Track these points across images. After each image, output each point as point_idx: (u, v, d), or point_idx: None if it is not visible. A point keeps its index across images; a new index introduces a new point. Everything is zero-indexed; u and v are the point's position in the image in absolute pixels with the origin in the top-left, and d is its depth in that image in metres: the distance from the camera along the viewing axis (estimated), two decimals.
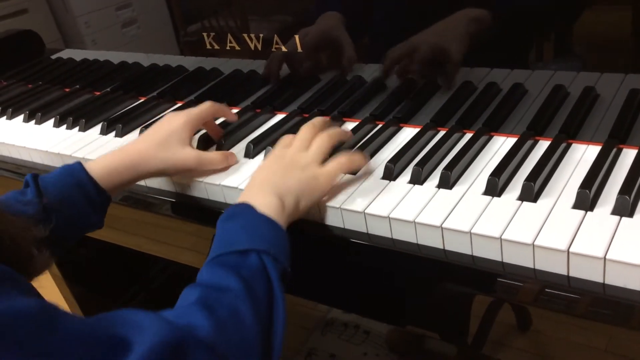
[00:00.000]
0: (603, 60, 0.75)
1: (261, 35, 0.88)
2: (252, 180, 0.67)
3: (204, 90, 1.02)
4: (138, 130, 0.95)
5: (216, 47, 0.93)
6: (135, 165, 0.73)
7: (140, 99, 1.07)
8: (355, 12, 0.86)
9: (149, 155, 0.74)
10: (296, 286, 0.83)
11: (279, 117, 0.92)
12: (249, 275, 0.54)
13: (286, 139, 0.72)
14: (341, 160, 0.69)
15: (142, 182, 0.83)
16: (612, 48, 0.73)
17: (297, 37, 0.85)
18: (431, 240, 0.62)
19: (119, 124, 0.95)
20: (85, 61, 1.21)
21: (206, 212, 0.79)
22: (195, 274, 0.58)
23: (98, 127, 0.98)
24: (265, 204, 0.61)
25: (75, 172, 0.70)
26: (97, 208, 0.72)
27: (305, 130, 0.72)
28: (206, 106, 0.81)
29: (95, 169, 0.71)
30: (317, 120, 0.74)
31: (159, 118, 0.97)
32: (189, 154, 0.76)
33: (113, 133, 0.96)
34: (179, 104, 1.03)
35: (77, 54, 1.22)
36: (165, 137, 0.75)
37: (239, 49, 0.91)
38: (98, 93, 1.13)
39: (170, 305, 0.54)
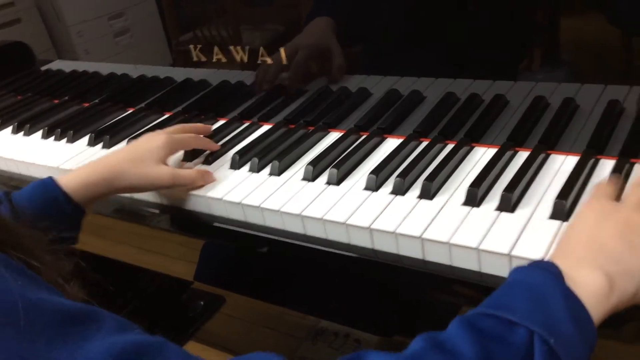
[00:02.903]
0: (583, 72, 0.76)
1: (248, 47, 0.89)
2: (571, 232, 0.52)
3: (192, 102, 1.03)
4: (125, 141, 0.95)
5: (203, 59, 0.94)
6: (109, 180, 0.73)
7: (128, 110, 1.07)
8: (345, 23, 0.87)
9: (123, 170, 0.74)
10: (283, 297, 0.85)
11: (266, 127, 0.93)
12: (501, 354, 0.41)
13: (605, 188, 0.55)
14: None
15: (128, 194, 0.84)
16: (593, 60, 0.74)
17: (282, 49, 0.86)
18: (411, 251, 0.63)
19: (107, 136, 0.95)
20: (75, 72, 1.22)
21: (191, 223, 0.80)
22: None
23: (86, 139, 0.99)
24: (587, 281, 0.45)
25: (49, 187, 0.70)
26: (71, 223, 0.72)
27: None
28: (190, 136, 0.82)
29: (68, 184, 0.71)
30: None
31: (147, 129, 0.99)
32: (163, 171, 0.76)
33: (101, 144, 0.97)
34: (166, 115, 1.03)
35: (67, 65, 1.23)
36: (141, 154, 0.75)
37: (225, 60, 0.92)
38: (87, 104, 1.14)
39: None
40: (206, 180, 0.79)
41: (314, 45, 0.87)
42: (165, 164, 0.77)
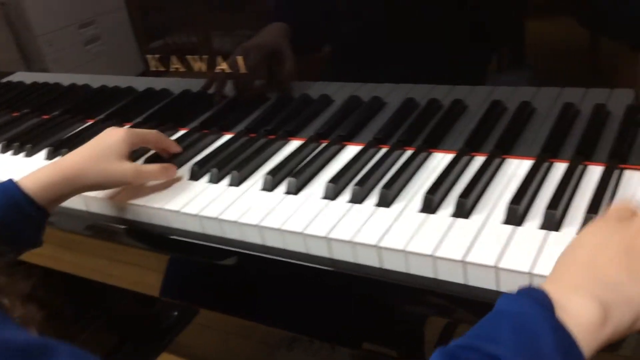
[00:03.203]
0: (540, 76, 0.76)
1: (206, 56, 0.89)
2: (569, 257, 0.48)
3: (152, 112, 1.02)
4: None
5: (161, 68, 0.93)
6: (72, 178, 0.72)
7: (88, 122, 1.06)
8: (303, 29, 0.86)
9: (86, 167, 0.73)
10: (249, 311, 0.84)
11: (227, 137, 0.92)
12: None
13: (618, 208, 0.50)
14: None
15: (84, 207, 0.82)
16: (549, 64, 0.75)
17: (239, 57, 0.86)
18: (369, 259, 0.63)
19: (65, 149, 0.94)
20: (35, 84, 1.20)
21: (150, 237, 0.79)
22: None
23: (44, 152, 0.97)
24: (577, 311, 0.42)
25: (9, 190, 0.69)
26: (34, 225, 0.70)
27: None
28: (151, 131, 0.82)
29: (29, 185, 0.70)
30: None
31: None
32: (126, 167, 0.75)
33: (59, 158, 0.95)
34: (127, 126, 1.02)
35: (28, 77, 1.21)
36: (102, 150, 0.75)
37: (183, 70, 0.91)
38: (47, 117, 1.12)
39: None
40: (169, 174, 0.79)
41: (264, 47, 0.86)
42: (127, 159, 0.76)
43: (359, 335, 0.73)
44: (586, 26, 0.68)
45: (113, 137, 0.76)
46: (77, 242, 0.89)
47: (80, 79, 1.13)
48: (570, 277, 0.45)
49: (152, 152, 0.87)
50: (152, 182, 0.80)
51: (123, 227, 0.80)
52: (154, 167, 0.78)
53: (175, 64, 0.92)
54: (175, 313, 1.65)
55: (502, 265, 0.55)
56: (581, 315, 0.41)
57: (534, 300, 0.42)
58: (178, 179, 0.81)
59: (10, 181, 0.70)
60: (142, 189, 0.79)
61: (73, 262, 0.96)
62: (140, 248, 0.82)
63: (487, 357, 0.40)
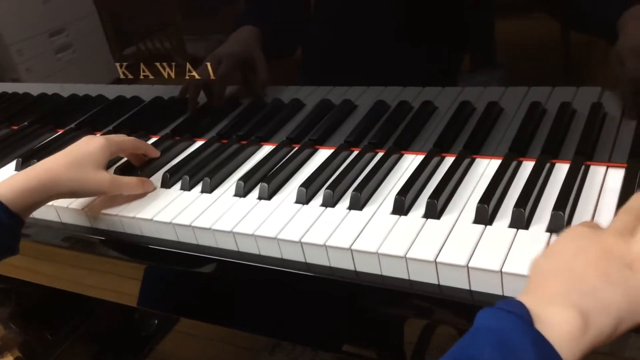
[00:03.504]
0: (508, 75, 0.77)
1: (174, 64, 0.88)
2: (545, 260, 0.48)
3: (123, 120, 1.01)
4: None
5: (130, 76, 0.92)
6: (46, 185, 0.71)
7: (58, 132, 1.05)
8: (272, 32, 0.86)
9: (61, 175, 0.72)
10: (227, 318, 0.83)
11: (199, 143, 0.91)
12: None
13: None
14: None
15: (57, 219, 0.81)
16: (517, 63, 0.76)
17: (208, 64, 0.85)
18: (342, 263, 0.63)
19: (34, 160, 0.92)
20: (4, 94, 1.18)
21: (125, 246, 0.78)
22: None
23: (13, 164, 0.96)
24: (556, 321, 0.42)
25: None
26: (8, 233, 0.69)
27: (628, 210, 0.50)
28: (129, 138, 0.82)
29: (4, 193, 0.68)
30: (637, 201, 0.51)
31: None
32: (103, 177, 0.74)
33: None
34: (98, 135, 1.01)
35: None
36: (79, 158, 0.74)
37: (155, 77, 0.91)
38: (16, 127, 1.10)
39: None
40: (146, 187, 0.78)
41: (236, 54, 0.86)
42: (104, 168, 0.76)
43: (338, 339, 0.73)
44: (557, 24, 0.69)
45: (90, 146, 0.75)
46: (53, 254, 0.88)
47: (50, 88, 1.11)
48: (548, 286, 0.45)
49: (124, 159, 0.87)
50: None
51: (98, 237, 0.79)
52: (131, 179, 0.78)
53: (147, 72, 0.91)
54: (156, 321, 1.64)
55: (472, 264, 0.55)
56: (561, 325, 0.41)
57: (513, 315, 0.42)
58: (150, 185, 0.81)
59: None
60: (115, 199, 0.78)
61: (49, 274, 0.95)
62: (116, 258, 0.81)
63: None
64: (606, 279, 0.44)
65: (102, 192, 0.76)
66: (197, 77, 0.88)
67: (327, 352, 1.47)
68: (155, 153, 0.86)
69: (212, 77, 0.87)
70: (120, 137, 0.81)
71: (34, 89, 1.13)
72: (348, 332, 0.72)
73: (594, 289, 0.43)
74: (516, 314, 0.42)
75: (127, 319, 1.66)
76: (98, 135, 0.79)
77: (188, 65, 0.87)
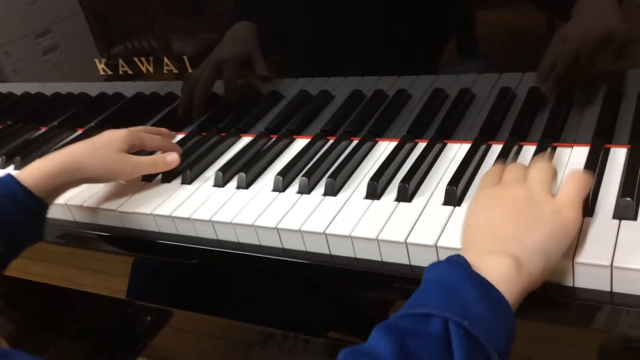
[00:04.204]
0: (484, 65, 0.79)
1: (151, 58, 0.90)
2: (467, 228, 0.53)
3: (105, 116, 1.02)
4: None
5: (109, 72, 0.94)
6: (70, 170, 0.72)
7: (41, 129, 1.06)
8: (269, 26, 0.87)
9: (84, 158, 0.73)
10: (215, 307, 0.85)
11: (179, 137, 0.93)
12: (417, 345, 0.42)
13: (488, 176, 0.58)
14: (576, 179, 0.52)
15: (71, 217, 0.82)
16: (490, 51, 0.77)
17: (185, 57, 0.87)
18: (317, 247, 0.65)
19: (18, 157, 0.94)
20: None
21: (109, 239, 0.80)
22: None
23: None
24: (491, 267, 0.46)
25: (7, 184, 0.68)
26: (35, 218, 0.70)
27: (512, 165, 0.58)
28: (150, 136, 0.81)
29: (27, 178, 0.69)
30: (516, 162, 0.60)
31: (60, 147, 0.97)
32: (125, 159, 0.75)
33: (12, 166, 0.95)
34: (79, 131, 1.02)
35: None
36: (102, 143, 0.75)
37: (131, 73, 0.92)
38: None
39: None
40: (168, 163, 0.78)
41: (238, 56, 0.88)
42: (125, 154, 0.76)
43: (322, 324, 0.75)
44: (536, 13, 0.70)
45: (112, 135, 0.77)
46: (44, 251, 0.89)
47: (33, 87, 1.12)
48: (478, 244, 0.50)
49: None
50: (107, 185, 0.80)
51: (85, 231, 0.81)
52: (150, 158, 0.78)
53: (131, 68, 0.92)
54: (149, 318, 1.65)
55: (440, 244, 0.57)
56: (496, 269, 0.46)
57: (453, 264, 0.47)
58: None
59: (8, 175, 0.69)
60: (97, 193, 0.80)
61: (41, 272, 0.96)
62: (102, 251, 0.82)
63: (420, 317, 0.44)
64: (523, 223, 0.49)
65: (124, 174, 0.76)
66: (174, 71, 0.89)
67: (313, 338, 1.49)
68: (179, 152, 0.84)
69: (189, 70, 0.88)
70: (148, 136, 0.81)
71: (17, 88, 1.14)
72: (330, 317, 0.74)
73: (517, 235, 0.48)
74: (456, 263, 0.47)
75: (119, 316, 1.67)
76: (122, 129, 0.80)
77: (166, 61, 0.89)
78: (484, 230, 0.51)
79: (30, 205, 0.69)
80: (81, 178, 0.74)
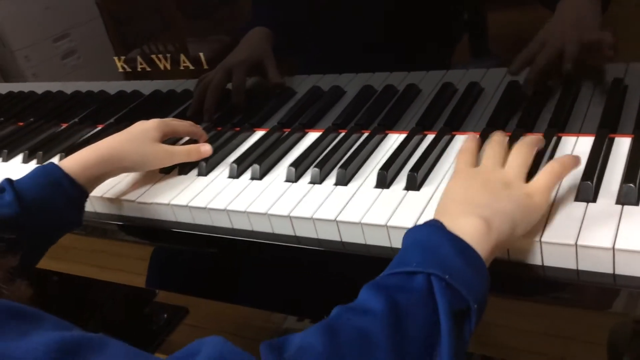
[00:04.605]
0: (490, 59, 0.81)
1: (169, 55, 0.92)
2: (444, 198, 0.58)
3: (124, 113, 1.05)
4: (58, 156, 0.97)
5: (128, 69, 0.97)
6: (109, 159, 0.76)
7: (62, 126, 1.09)
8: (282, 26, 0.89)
9: (122, 149, 0.77)
10: (225, 292, 0.87)
11: None
12: (405, 299, 0.46)
13: (465, 156, 0.62)
14: (553, 168, 0.57)
15: (92, 208, 0.85)
16: (497, 47, 0.79)
17: (202, 54, 0.90)
18: (329, 234, 0.67)
19: (40, 152, 0.97)
20: (11, 93, 1.23)
21: (129, 229, 0.83)
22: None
23: (20, 157, 1.00)
24: (465, 226, 0.51)
25: (50, 171, 0.72)
26: (75, 205, 0.74)
27: (493, 147, 0.61)
28: (184, 123, 0.86)
29: (69, 166, 0.73)
30: (498, 136, 0.63)
31: (80, 143, 1.01)
32: (159, 149, 0.79)
33: (35, 161, 0.98)
34: (99, 127, 1.06)
35: (2, 88, 1.24)
36: (137, 133, 0.79)
37: (149, 70, 0.95)
38: (22, 124, 1.15)
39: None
40: (202, 153, 0.82)
41: (249, 61, 0.91)
42: (160, 143, 0.80)
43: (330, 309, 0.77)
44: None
45: (146, 124, 0.81)
46: (66, 248, 0.92)
47: (54, 86, 1.16)
48: (452, 209, 0.55)
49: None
50: (126, 177, 0.83)
51: (105, 221, 0.83)
52: (184, 147, 0.82)
53: (149, 67, 0.95)
54: (165, 315, 1.68)
55: None
56: (468, 228, 0.50)
57: (430, 226, 0.52)
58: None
59: (51, 163, 0.73)
60: (116, 185, 0.83)
61: (63, 263, 0.99)
62: (122, 240, 0.85)
63: (406, 274, 0.48)
64: (495, 196, 0.54)
65: (160, 162, 0.81)
66: (191, 67, 0.92)
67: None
68: (204, 139, 0.88)
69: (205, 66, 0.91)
70: (175, 120, 0.85)
71: (39, 87, 1.18)
72: (341, 303, 0.76)
73: (488, 202, 0.54)
74: (432, 225, 0.52)
75: (137, 313, 1.70)
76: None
77: (183, 58, 0.92)
78: (460, 199, 0.56)
79: (72, 192, 0.72)
80: (120, 167, 0.78)
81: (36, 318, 0.43)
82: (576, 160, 0.59)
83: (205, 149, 0.83)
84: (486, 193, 0.55)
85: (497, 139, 0.63)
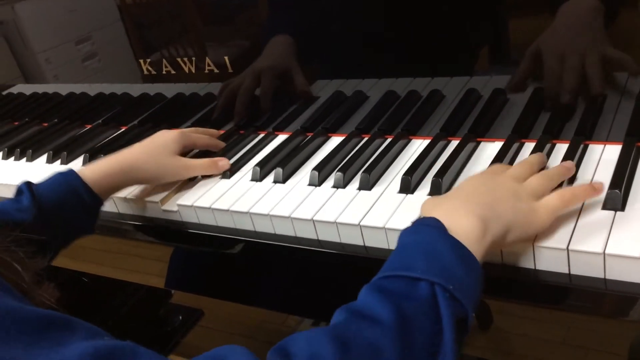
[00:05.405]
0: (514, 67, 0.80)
1: (194, 58, 0.93)
2: (453, 191, 0.59)
3: (147, 115, 1.06)
4: (82, 157, 0.98)
5: (153, 72, 0.98)
6: (128, 171, 0.77)
7: (86, 127, 1.10)
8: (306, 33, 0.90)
9: (141, 160, 0.78)
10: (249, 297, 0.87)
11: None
12: (411, 309, 0.45)
13: (496, 166, 0.65)
14: (565, 194, 0.58)
15: (115, 209, 0.86)
16: (521, 54, 0.79)
17: (226, 57, 0.90)
18: (352, 238, 0.67)
19: (64, 152, 0.98)
20: (35, 94, 1.25)
21: (151, 230, 0.83)
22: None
23: (45, 157, 1.01)
24: (463, 225, 0.51)
25: (69, 178, 0.73)
26: (90, 212, 0.75)
27: (522, 164, 0.63)
28: (200, 136, 0.87)
29: (88, 174, 0.74)
30: (535, 157, 0.65)
31: (103, 144, 1.02)
32: (178, 162, 0.80)
33: (59, 161, 0.99)
34: (122, 129, 1.07)
35: (27, 88, 1.25)
36: (156, 146, 0.80)
37: (174, 72, 0.96)
38: (46, 124, 1.17)
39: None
40: (219, 167, 0.82)
41: (275, 68, 0.91)
42: (178, 156, 0.81)
43: None
44: None
45: (166, 136, 0.82)
46: (82, 247, 0.93)
47: (78, 88, 1.17)
48: (457, 203, 0.55)
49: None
50: None
51: (127, 222, 0.84)
52: (203, 161, 0.83)
53: (172, 71, 0.96)
54: (180, 317, 1.69)
55: None
56: (466, 229, 0.51)
57: (431, 227, 0.51)
58: None
59: (71, 170, 0.74)
60: (139, 186, 0.83)
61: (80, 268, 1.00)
62: (143, 241, 0.86)
63: (410, 280, 0.47)
64: (499, 201, 0.55)
65: (178, 176, 0.81)
66: (215, 71, 0.93)
67: None
68: (221, 147, 0.89)
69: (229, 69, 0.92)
70: (196, 136, 0.86)
71: (63, 88, 1.20)
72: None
73: (490, 203, 0.54)
74: (434, 227, 0.51)
75: (152, 315, 1.71)
76: (173, 130, 0.85)
77: (208, 61, 0.92)
78: (467, 194, 0.57)
79: (89, 201, 0.73)
80: (137, 178, 0.79)
81: (68, 326, 0.43)
82: (593, 190, 0.58)
83: (223, 163, 0.83)
84: (492, 195, 0.56)
85: (531, 158, 0.64)
